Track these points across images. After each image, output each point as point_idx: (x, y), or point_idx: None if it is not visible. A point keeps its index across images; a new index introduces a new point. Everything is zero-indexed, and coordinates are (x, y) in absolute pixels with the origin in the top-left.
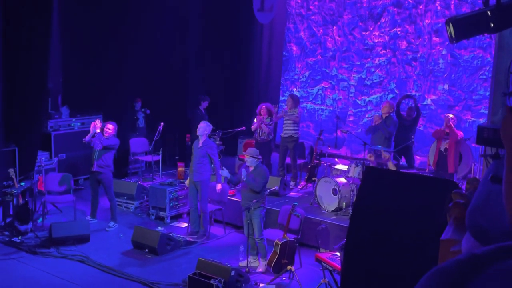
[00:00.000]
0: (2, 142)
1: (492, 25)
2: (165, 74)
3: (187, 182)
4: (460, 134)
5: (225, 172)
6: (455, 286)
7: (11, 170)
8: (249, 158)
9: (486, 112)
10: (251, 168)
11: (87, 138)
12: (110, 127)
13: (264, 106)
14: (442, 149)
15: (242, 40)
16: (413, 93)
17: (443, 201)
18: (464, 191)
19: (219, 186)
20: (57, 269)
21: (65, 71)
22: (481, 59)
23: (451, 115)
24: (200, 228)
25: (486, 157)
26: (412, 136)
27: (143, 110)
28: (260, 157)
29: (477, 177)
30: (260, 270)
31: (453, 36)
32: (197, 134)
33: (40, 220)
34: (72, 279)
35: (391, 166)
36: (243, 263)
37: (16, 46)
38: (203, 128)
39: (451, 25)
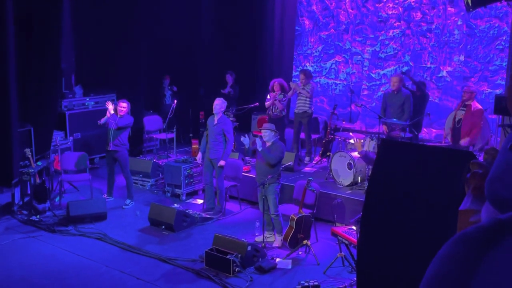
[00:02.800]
0: (18, 122)
1: None
2: (177, 51)
3: (198, 157)
4: (477, 110)
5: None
6: (480, 251)
7: (27, 150)
8: (267, 132)
9: (503, 83)
10: (268, 144)
11: (102, 121)
12: (124, 105)
13: (276, 82)
14: (456, 119)
15: (254, 15)
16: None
17: (460, 172)
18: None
19: (222, 162)
20: (75, 246)
21: (77, 50)
22: (498, 28)
23: (471, 89)
24: (215, 204)
25: (504, 127)
26: (428, 113)
27: (170, 87)
28: (277, 131)
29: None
30: (276, 245)
31: (470, 4)
32: (214, 112)
33: (57, 199)
34: (90, 256)
35: None
36: (259, 239)
37: (28, 27)
38: (219, 105)
39: None
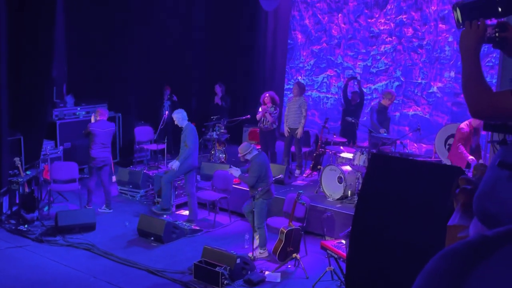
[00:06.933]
0: (8, 131)
1: (500, 9)
2: (170, 62)
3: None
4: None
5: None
6: (466, 267)
7: (16, 159)
8: (243, 154)
9: None
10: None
11: None
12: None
13: (267, 95)
14: (474, 146)
15: (247, 28)
16: (357, 77)
17: (449, 187)
18: (471, 177)
19: (173, 164)
20: (63, 257)
21: (69, 60)
22: (488, 46)
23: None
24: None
25: (493, 143)
26: (353, 120)
27: (169, 97)
28: (253, 146)
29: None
30: (260, 256)
31: (460, 21)
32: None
33: (46, 208)
34: (78, 267)
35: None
36: (251, 255)
37: (21, 35)
38: (177, 119)
39: (458, 9)
